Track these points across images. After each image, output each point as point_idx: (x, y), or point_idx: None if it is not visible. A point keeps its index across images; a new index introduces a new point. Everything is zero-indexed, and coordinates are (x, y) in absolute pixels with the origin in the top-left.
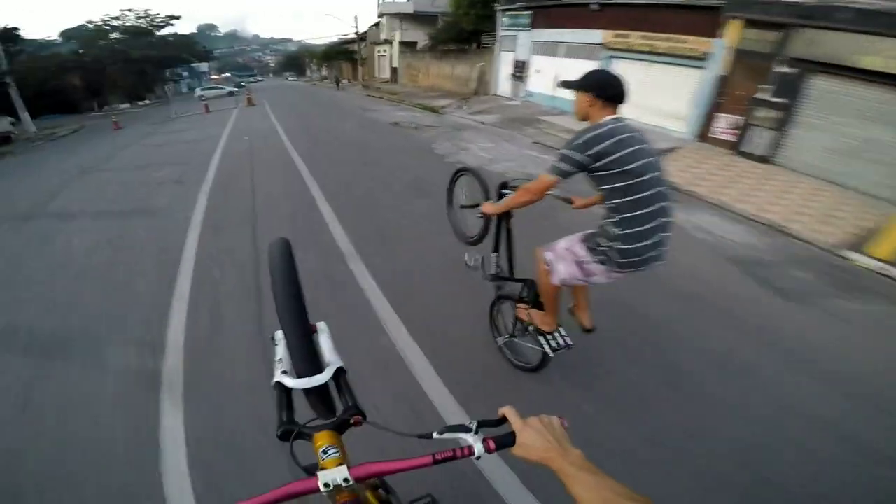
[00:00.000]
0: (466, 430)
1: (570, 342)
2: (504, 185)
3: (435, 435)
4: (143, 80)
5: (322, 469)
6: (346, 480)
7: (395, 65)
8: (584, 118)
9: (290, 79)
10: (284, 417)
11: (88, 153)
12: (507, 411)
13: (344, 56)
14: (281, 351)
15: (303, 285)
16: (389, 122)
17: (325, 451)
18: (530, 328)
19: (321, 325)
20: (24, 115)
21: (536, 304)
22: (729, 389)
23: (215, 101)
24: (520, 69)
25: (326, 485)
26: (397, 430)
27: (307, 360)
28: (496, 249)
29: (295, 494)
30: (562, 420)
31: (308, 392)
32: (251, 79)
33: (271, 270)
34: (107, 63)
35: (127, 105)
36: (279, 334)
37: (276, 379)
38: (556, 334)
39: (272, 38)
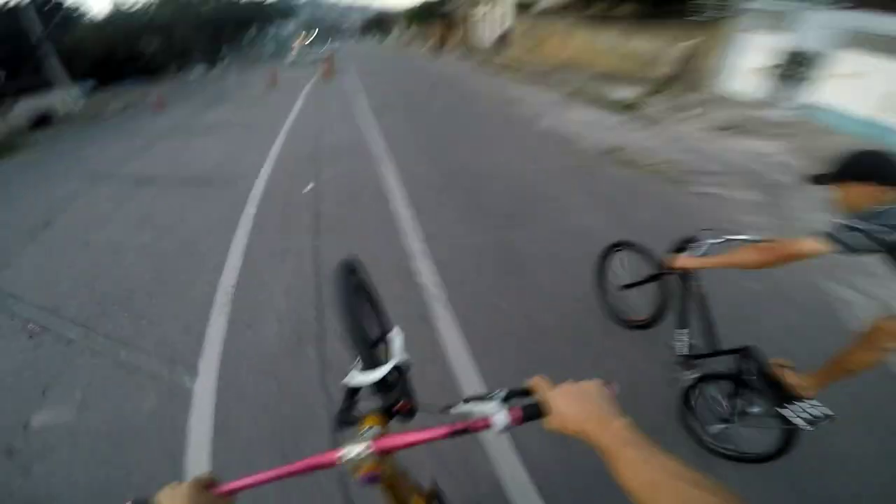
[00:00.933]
0: (490, 399)
1: (828, 411)
2: (689, 241)
3: (455, 408)
4: (219, 41)
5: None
6: (364, 453)
7: (505, 29)
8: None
9: (372, 40)
10: (342, 408)
11: (98, 154)
12: (538, 380)
13: (434, 17)
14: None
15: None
16: (598, 149)
17: (368, 429)
18: (755, 406)
19: (394, 331)
20: (71, 90)
21: (761, 373)
22: None
23: (289, 70)
24: (795, 64)
25: (343, 457)
26: (423, 404)
27: (368, 360)
28: (683, 325)
29: (314, 467)
30: (608, 384)
31: (373, 388)
32: (328, 44)
33: (338, 291)
34: (177, 26)
35: (202, 69)
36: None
37: (344, 381)
38: (813, 401)
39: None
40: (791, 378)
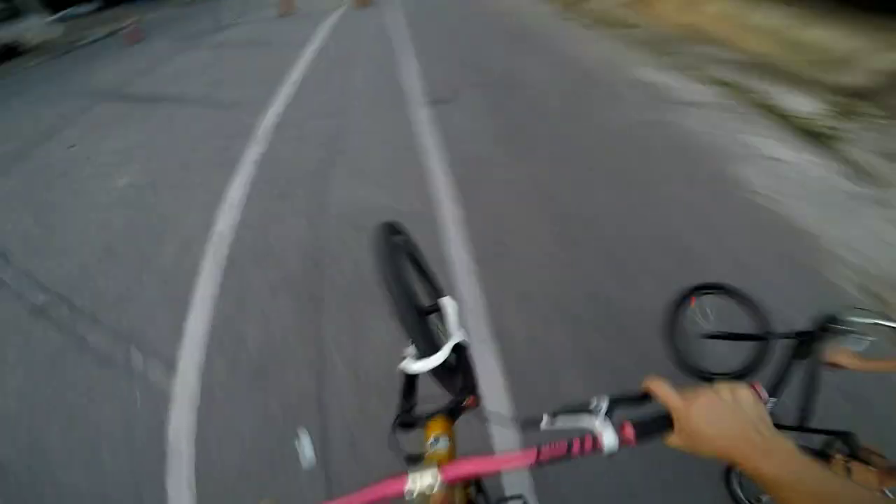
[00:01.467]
0: (591, 411)
1: None
2: (831, 321)
3: (545, 422)
4: None
5: (428, 461)
6: (434, 484)
7: None
8: None
9: None
10: (401, 404)
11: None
12: (655, 384)
13: None
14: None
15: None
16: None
17: (435, 441)
18: None
19: (445, 301)
20: (44, 17)
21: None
22: None
23: None
24: None
25: (412, 490)
26: (502, 415)
27: (424, 341)
28: (776, 393)
29: (383, 497)
30: (756, 388)
31: (433, 374)
32: None
33: (376, 257)
34: None
35: None
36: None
37: (399, 367)
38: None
39: None
40: (880, 463)
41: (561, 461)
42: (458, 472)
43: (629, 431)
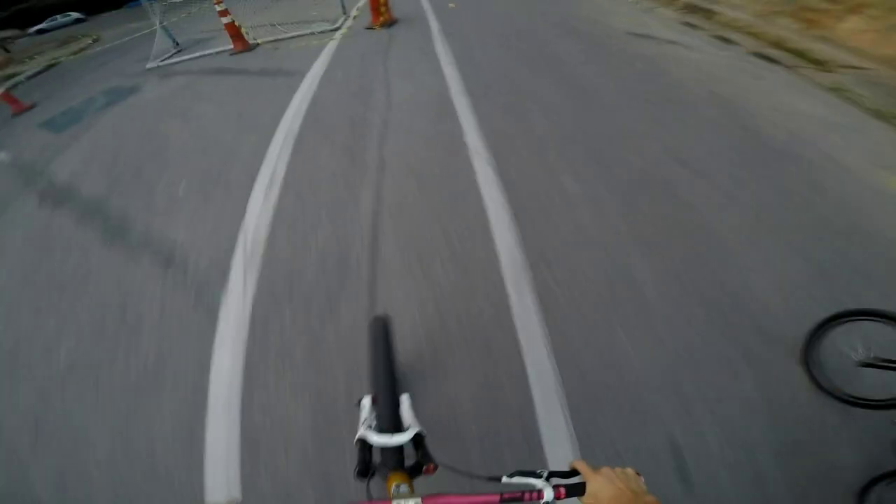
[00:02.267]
0: (537, 476)
1: None
2: None
3: (504, 478)
4: None
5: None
6: None
7: None
8: None
9: None
10: (363, 461)
11: None
12: (578, 463)
13: None
14: (365, 413)
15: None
16: None
17: (397, 487)
18: None
19: (404, 397)
20: None
21: None
22: None
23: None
24: None
25: None
26: (468, 471)
27: (393, 421)
28: None
29: None
30: (638, 474)
31: (385, 449)
32: None
33: (371, 344)
34: None
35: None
36: (366, 400)
37: (359, 435)
38: None
39: None
40: None
41: (516, 503)
42: (436, 503)
43: (561, 492)
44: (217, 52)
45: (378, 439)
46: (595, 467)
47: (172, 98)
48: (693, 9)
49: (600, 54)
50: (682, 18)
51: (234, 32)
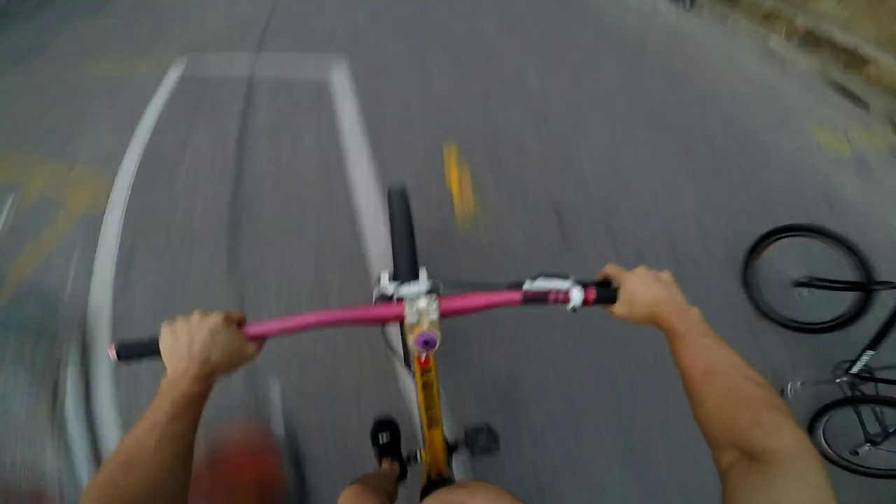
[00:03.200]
0: (564, 277)
1: None
2: None
3: (527, 284)
4: None
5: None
6: (432, 305)
7: None
8: None
9: None
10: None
11: None
12: (611, 267)
13: None
14: (385, 281)
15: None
16: None
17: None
18: None
19: (422, 270)
20: None
21: None
22: None
23: None
24: None
25: (409, 308)
26: (486, 283)
27: (411, 264)
28: (875, 346)
29: (373, 318)
30: (672, 276)
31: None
32: None
33: (390, 216)
34: None
35: None
36: (384, 273)
37: (377, 291)
38: None
39: None
40: None
41: (540, 303)
42: (453, 304)
43: (591, 293)
44: None
45: (401, 289)
46: (630, 271)
47: None
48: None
49: None
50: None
51: None
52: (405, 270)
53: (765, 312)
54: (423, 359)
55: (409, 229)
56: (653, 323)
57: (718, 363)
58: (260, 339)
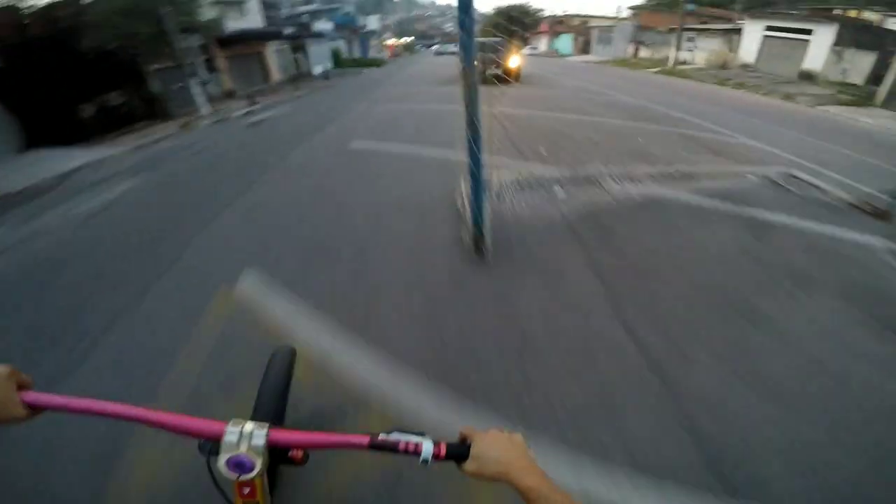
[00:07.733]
0: (419, 434)
1: None
2: None
3: (381, 435)
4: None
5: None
6: (258, 434)
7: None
8: None
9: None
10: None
11: None
12: (466, 428)
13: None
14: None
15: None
16: None
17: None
18: None
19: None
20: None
21: None
22: None
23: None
24: None
25: (228, 431)
26: (340, 433)
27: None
28: None
29: (196, 431)
30: (523, 438)
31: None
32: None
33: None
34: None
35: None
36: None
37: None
38: None
39: (449, 5)
40: None
41: (389, 451)
42: (287, 436)
43: (441, 448)
44: None
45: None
46: (483, 430)
47: None
48: None
49: None
50: None
51: None
52: (261, 412)
53: None
54: (245, 491)
55: (286, 383)
56: (505, 482)
57: None
58: (37, 409)
